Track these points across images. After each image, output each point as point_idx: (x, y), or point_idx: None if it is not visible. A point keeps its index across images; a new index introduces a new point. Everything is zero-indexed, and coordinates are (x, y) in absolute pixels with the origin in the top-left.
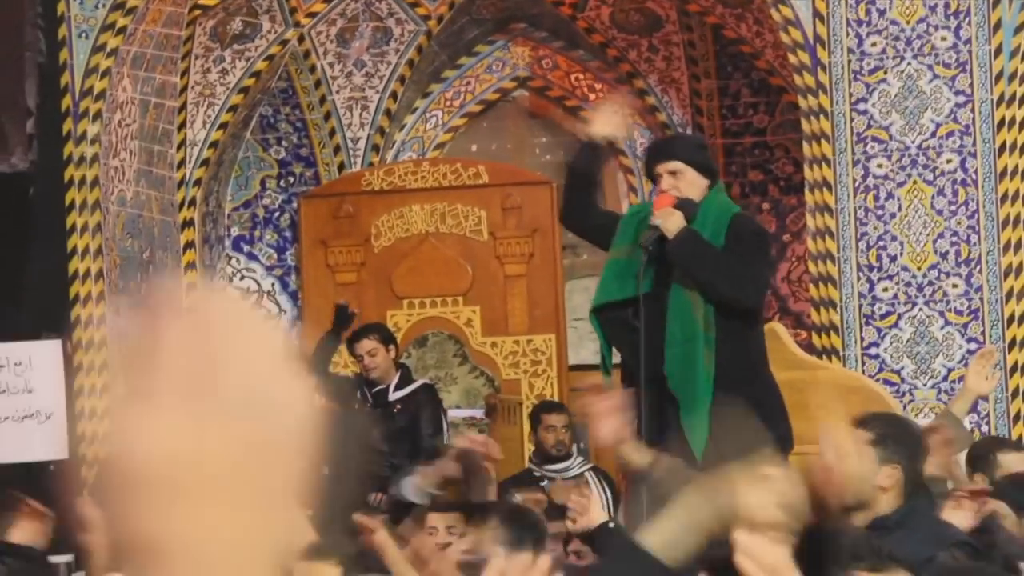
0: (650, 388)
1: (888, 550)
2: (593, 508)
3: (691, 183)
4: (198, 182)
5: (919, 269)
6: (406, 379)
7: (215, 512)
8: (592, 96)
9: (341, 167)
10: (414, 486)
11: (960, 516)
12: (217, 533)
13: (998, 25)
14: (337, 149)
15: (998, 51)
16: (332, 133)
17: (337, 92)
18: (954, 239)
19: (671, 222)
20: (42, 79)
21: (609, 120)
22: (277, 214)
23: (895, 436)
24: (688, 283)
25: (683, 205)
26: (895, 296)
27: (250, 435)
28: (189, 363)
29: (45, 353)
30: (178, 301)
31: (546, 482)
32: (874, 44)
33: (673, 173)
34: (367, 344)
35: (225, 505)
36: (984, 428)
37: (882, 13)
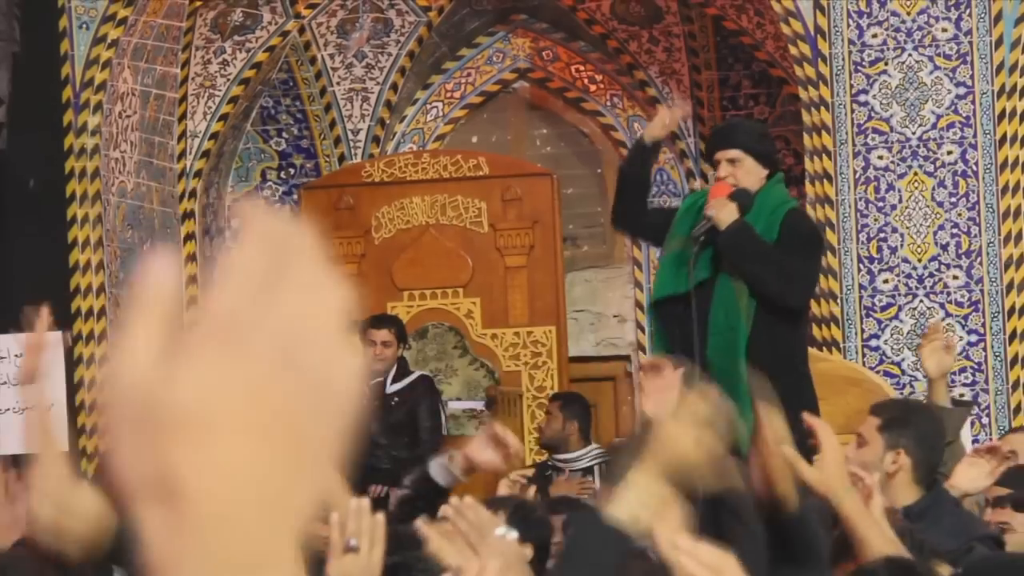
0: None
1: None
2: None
3: (749, 171)
4: (199, 173)
5: (920, 261)
6: (403, 371)
7: (247, 459)
8: (592, 87)
9: (341, 159)
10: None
11: (975, 473)
12: (246, 481)
13: (999, 16)
14: (337, 141)
15: (999, 42)
16: (332, 124)
17: (338, 83)
18: (955, 231)
19: (724, 213)
20: (16, 69)
21: (666, 124)
22: (277, 205)
23: (901, 422)
24: (736, 273)
25: (738, 195)
26: (896, 288)
27: (294, 384)
28: (240, 300)
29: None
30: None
31: (552, 473)
32: (875, 35)
33: (732, 161)
34: (385, 334)
35: (258, 454)
36: (984, 420)
37: (883, 4)
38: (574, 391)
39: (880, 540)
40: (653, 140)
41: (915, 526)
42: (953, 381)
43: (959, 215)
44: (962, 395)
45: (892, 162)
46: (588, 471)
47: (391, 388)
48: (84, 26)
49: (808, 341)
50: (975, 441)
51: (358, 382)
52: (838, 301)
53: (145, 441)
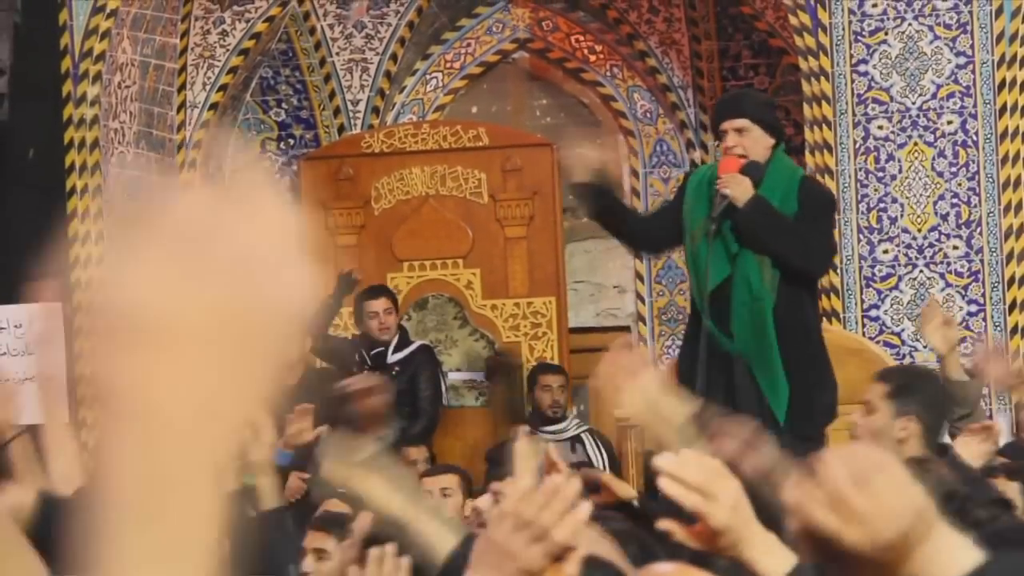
0: (714, 362)
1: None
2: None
3: (756, 141)
4: (198, 144)
5: (919, 231)
6: (404, 341)
7: (191, 368)
8: (592, 58)
9: (341, 129)
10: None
11: (967, 453)
12: (189, 390)
13: None
14: (337, 111)
15: (999, 12)
16: (332, 95)
17: (337, 54)
18: (955, 201)
19: (740, 190)
20: (17, 39)
21: (592, 166)
22: (277, 176)
23: (909, 388)
24: (758, 248)
25: (749, 169)
26: (895, 258)
27: (241, 300)
28: (194, 218)
29: (45, 316)
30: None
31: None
32: (875, 5)
33: (740, 131)
34: (383, 302)
35: (205, 362)
36: (984, 390)
37: None
38: (556, 363)
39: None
40: (587, 181)
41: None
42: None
43: (959, 185)
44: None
45: (892, 132)
46: (577, 439)
47: (392, 358)
48: None
49: None
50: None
51: (304, 304)
52: (838, 271)
53: (106, 346)
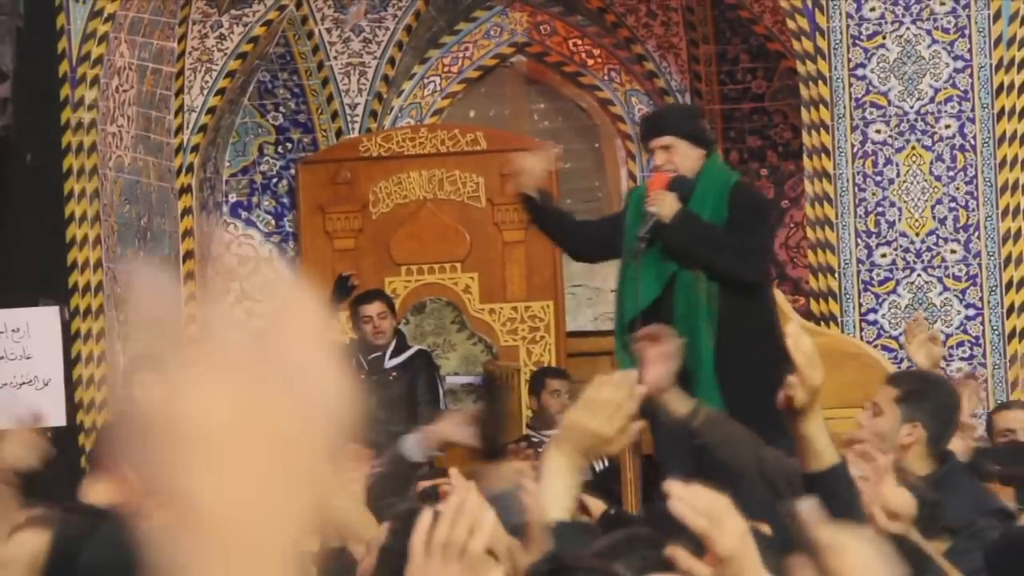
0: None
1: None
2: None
3: (685, 155)
4: (196, 148)
5: (917, 235)
6: (402, 346)
7: (250, 474)
8: (590, 61)
9: (339, 133)
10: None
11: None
12: (249, 494)
13: None
14: (335, 115)
15: (997, 16)
16: (330, 99)
17: (335, 58)
18: (952, 205)
19: (665, 206)
20: (20, 43)
21: (534, 171)
22: (275, 180)
23: (918, 394)
24: (689, 262)
25: (676, 185)
26: (893, 262)
27: (291, 408)
28: (239, 331)
29: (43, 319)
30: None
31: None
32: (873, 9)
33: (666, 148)
34: (377, 306)
35: (260, 469)
36: (981, 394)
37: None
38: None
39: None
40: (528, 191)
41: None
42: (951, 355)
43: (957, 189)
44: (959, 370)
45: (890, 136)
46: None
47: (389, 363)
48: (81, 0)
49: (806, 315)
50: (973, 416)
51: (347, 405)
52: (836, 275)
53: (154, 453)
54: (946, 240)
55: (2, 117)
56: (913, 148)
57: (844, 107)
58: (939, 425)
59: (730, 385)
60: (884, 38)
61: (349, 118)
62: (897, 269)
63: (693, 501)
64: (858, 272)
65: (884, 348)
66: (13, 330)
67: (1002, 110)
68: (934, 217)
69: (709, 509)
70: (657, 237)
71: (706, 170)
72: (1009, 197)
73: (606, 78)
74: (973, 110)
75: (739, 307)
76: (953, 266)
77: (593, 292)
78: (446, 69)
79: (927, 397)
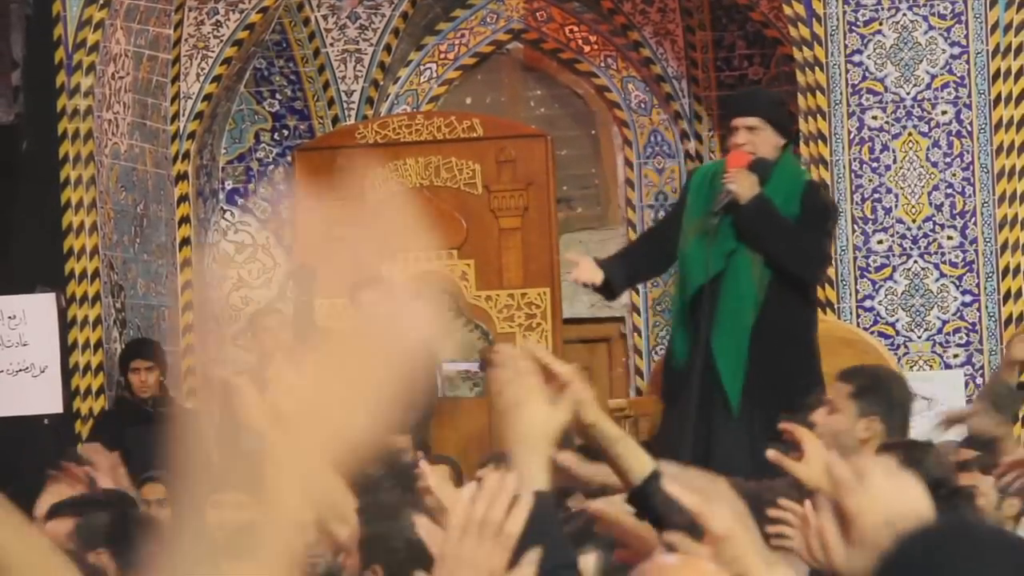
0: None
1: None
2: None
3: (766, 140)
4: (192, 135)
5: (914, 221)
6: None
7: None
8: (587, 48)
9: (335, 120)
10: None
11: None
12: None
13: None
14: (331, 102)
15: (993, 2)
16: (326, 86)
17: (331, 45)
18: (949, 191)
19: (745, 186)
20: (28, 31)
21: (580, 272)
22: (271, 167)
23: (873, 388)
24: (754, 246)
25: (757, 167)
26: (890, 248)
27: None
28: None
29: (39, 307)
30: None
31: None
32: None
33: (751, 128)
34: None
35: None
36: (979, 380)
37: None
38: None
39: None
40: (596, 283)
41: None
42: (947, 342)
43: (954, 175)
44: (956, 355)
45: (886, 122)
46: None
47: None
48: None
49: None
50: (968, 401)
51: (426, 335)
52: (832, 262)
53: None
54: (943, 227)
55: (15, 105)
56: (910, 134)
57: (841, 93)
58: (896, 418)
59: (755, 372)
60: (881, 24)
61: (345, 105)
62: (894, 256)
63: (688, 481)
64: (855, 258)
65: (881, 335)
66: (10, 317)
67: (999, 96)
68: (931, 204)
69: (705, 487)
70: (728, 213)
71: (783, 161)
72: (1006, 183)
73: (602, 65)
74: (970, 96)
75: (785, 300)
76: (950, 252)
77: None
78: (442, 56)
79: (881, 391)
